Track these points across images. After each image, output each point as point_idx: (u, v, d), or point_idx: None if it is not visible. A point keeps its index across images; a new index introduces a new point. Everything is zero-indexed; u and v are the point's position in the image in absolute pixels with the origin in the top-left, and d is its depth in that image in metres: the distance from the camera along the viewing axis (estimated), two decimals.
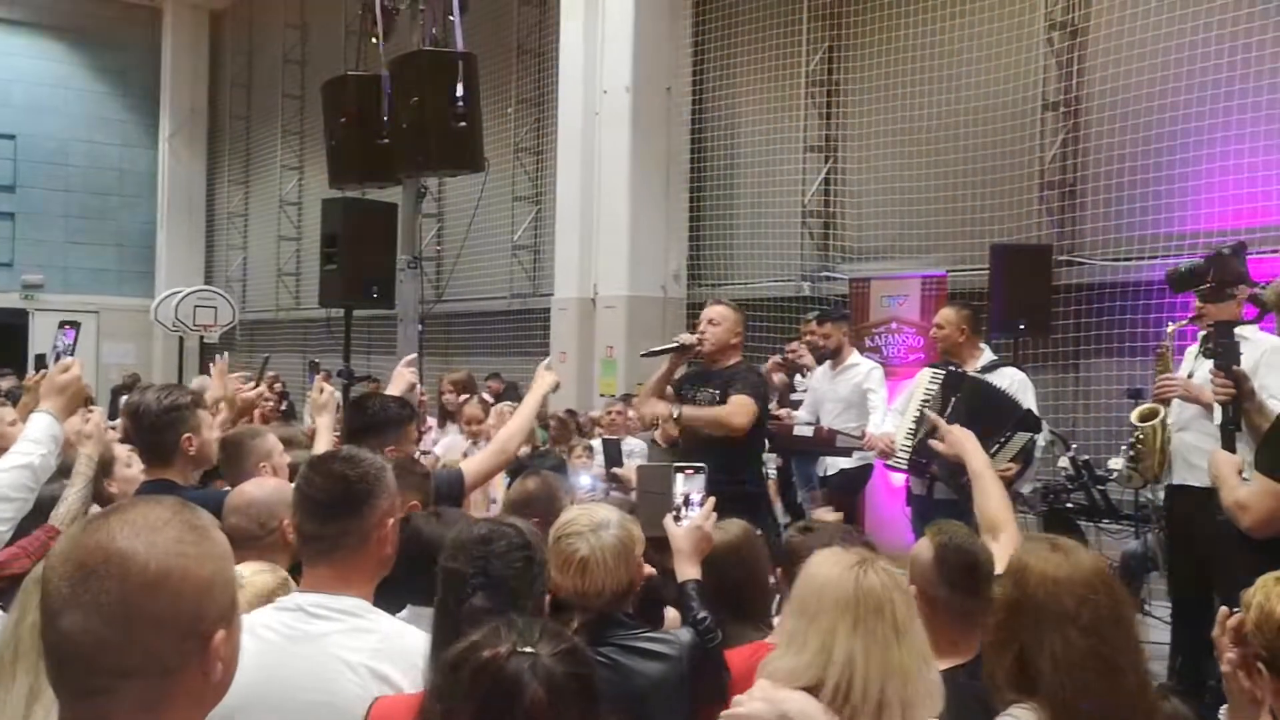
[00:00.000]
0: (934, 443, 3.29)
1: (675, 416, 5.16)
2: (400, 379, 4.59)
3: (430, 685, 1.90)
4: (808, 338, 7.83)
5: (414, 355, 5.07)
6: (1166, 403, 5.19)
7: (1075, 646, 2.04)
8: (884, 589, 2.07)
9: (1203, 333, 5.20)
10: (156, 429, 3.49)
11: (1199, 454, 5.09)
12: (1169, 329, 5.40)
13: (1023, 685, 2.09)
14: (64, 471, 3.33)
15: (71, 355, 3.43)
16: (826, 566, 2.12)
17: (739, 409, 5.08)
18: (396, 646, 2.25)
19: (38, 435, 3.08)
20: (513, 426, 4.19)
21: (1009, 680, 2.12)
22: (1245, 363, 5.09)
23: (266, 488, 3.02)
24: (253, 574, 2.62)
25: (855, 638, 2.01)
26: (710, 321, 5.33)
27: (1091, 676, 2.03)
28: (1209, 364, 5.03)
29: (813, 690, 2.00)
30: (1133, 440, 5.29)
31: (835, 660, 2.00)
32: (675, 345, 5.47)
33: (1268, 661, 2.01)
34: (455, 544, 2.15)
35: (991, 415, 5.36)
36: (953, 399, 5.45)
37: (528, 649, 1.55)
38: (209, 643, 1.27)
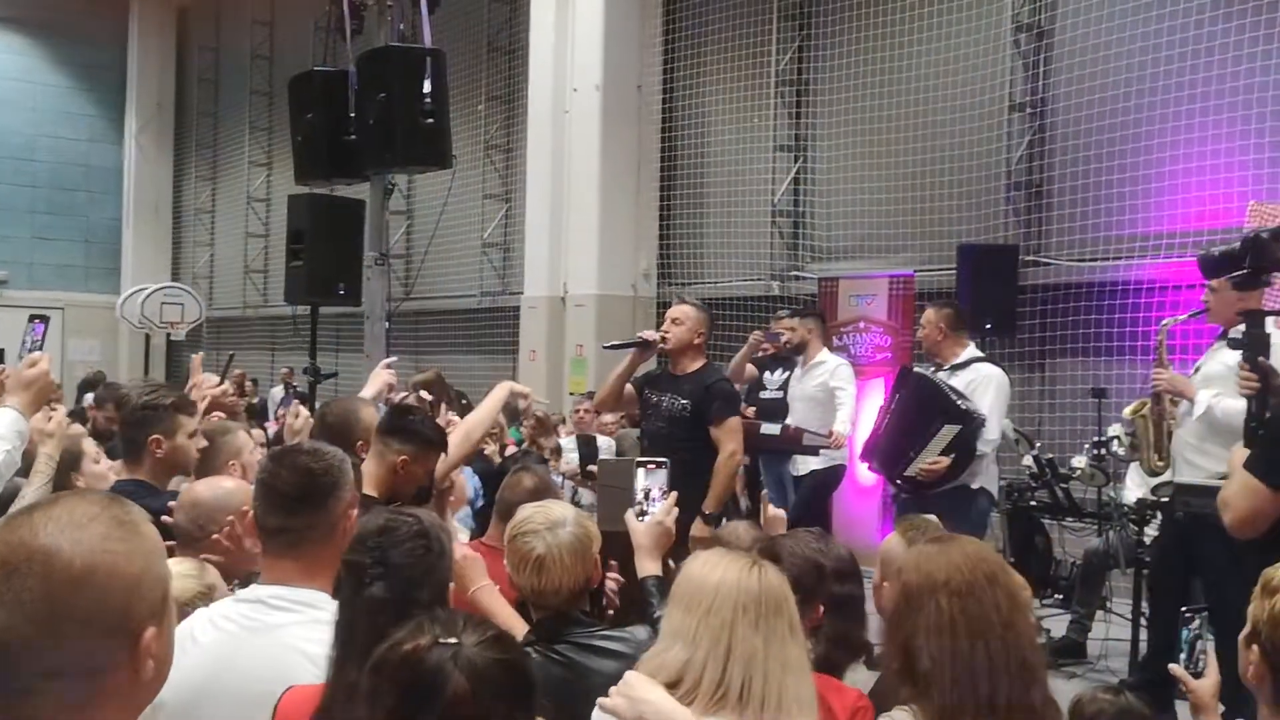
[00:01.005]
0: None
1: (709, 514, 5.08)
2: (377, 379, 4.56)
3: (336, 685, 1.89)
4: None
5: (395, 359, 5.05)
6: (1158, 397, 5.22)
7: (944, 610, 2.04)
8: (782, 587, 2.09)
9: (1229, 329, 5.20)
10: (128, 425, 3.46)
11: (1189, 449, 5.09)
12: (1164, 324, 5.42)
13: (909, 679, 2.07)
14: (29, 471, 3.28)
15: (40, 350, 3.37)
16: (721, 566, 2.13)
17: (731, 440, 5.13)
18: None
19: (2, 431, 3.03)
20: (476, 417, 4.18)
21: (900, 676, 2.11)
22: (1233, 360, 5.06)
23: (218, 490, 2.95)
24: (177, 575, 2.59)
25: (757, 635, 2.03)
26: (674, 320, 5.32)
27: (962, 636, 2.02)
28: (1222, 357, 5.06)
29: (694, 688, 2.01)
30: (1129, 430, 5.34)
31: (737, 658, 2.02)
32: (638, 340, 5.47)
33: (1268, 655, 2.01)
34: (359, 535, 2.14)
35: (923, 411, 5.44)
36: (896, 396, 5.55)
37: (450, 640, 1.53)
38: (139, 640, 1.23)
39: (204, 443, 3.54)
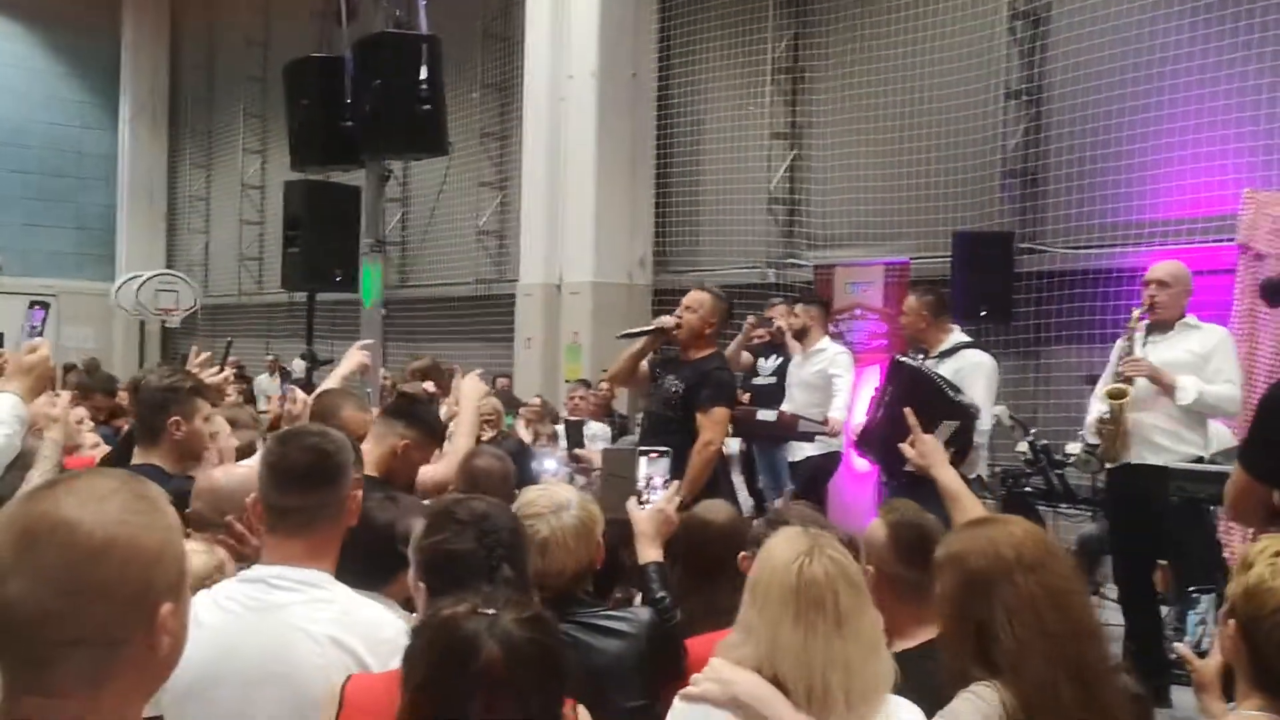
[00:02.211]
0: (904, 448, 3.30)
1: (681, 499, 5.04)
2: (351, 359, 4.55)
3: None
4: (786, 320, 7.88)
5: (371, 340, 5.04)
6: (1131, 382, 5.28)
7: (1022, 587, 2.06)
8: (827, 579, 2.08)
9: (1146, 321, 5.36)
10: (147, 407, 3.48)
11: (1160, 433, 5.23)
12: (1135, 313, 5.48)
13: (986, 660, 2.08)
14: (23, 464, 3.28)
15: (41, 335, 3.38)
16: (776, 554, 2.14)
17: (710, 430, 5.07)
18: (359, 618, 2.29)
19: (2, 416, 3.04)
20: (463, 433, 4.15)
21: (974, 660, 2.11)
22: (1196, 347, 5.25)
23: (234, 476, 2.98)
24: (189, 551, 2.61)
25: (797, 631, 2.04)
26: (687, 307, 5.31)
27: (1045, 609, 2.05)
28: (1184, 343, 5.21)
29: (774, 682, 2.04)
30: (1105, 417, 5.33)
31: (781, 651, 2.04)
32: (653, 329, 5.46)
33: (1244, 628, 2.03)
34: (453, 524, 2.17)
35: (919, 405, 5.44)
36: (889, 388, 5.55)
37: (489, 610, 1.55)
38: (156, 614, 1.25)
39: (215, 428, 3.55)
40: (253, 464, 3.39)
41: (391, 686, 1.99)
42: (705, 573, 3.00)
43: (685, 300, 5.38)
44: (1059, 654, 2.02)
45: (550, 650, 1.57)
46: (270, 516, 2.40)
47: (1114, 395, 5.32)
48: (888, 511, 2.90)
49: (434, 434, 3.71)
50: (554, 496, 2.63)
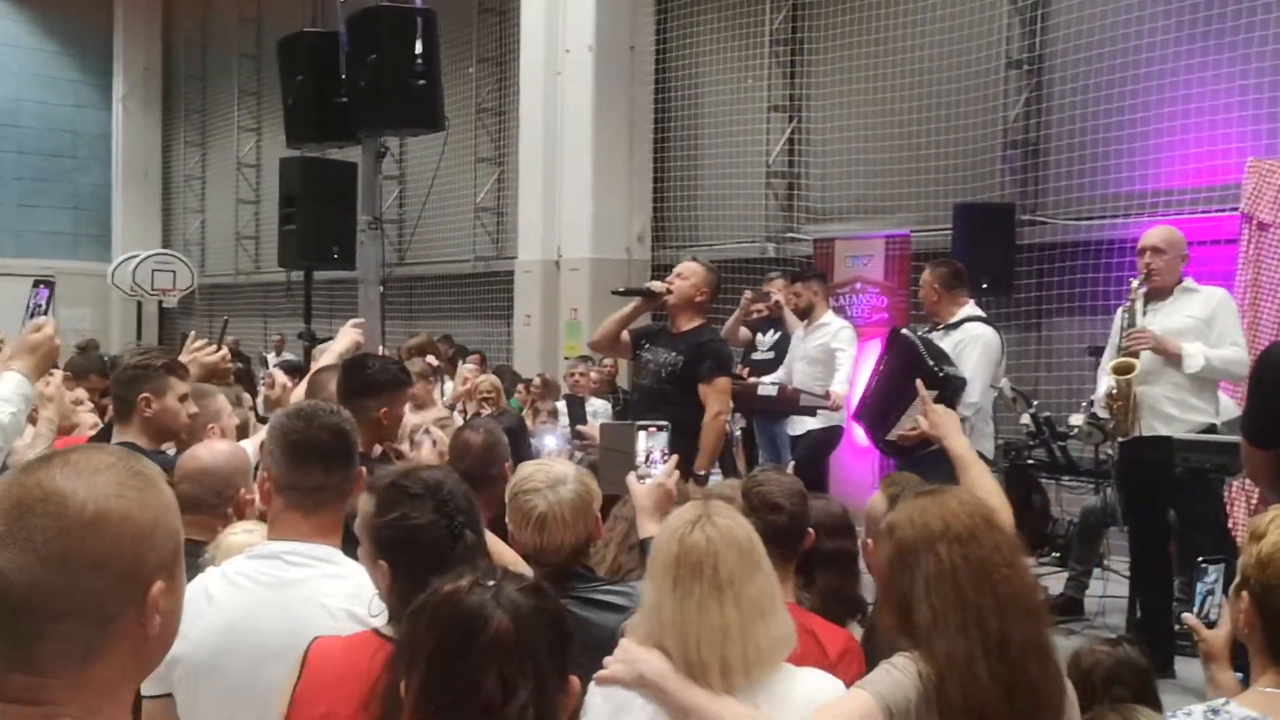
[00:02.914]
0: (919, 418, 3.27)
1: (700, 474, 5.02)
2: (345, 337, 4.53)
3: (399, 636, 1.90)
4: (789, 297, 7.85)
5: (363, 320, 5.01)
6: (1136, 355, 5.24)
7: (944, 559, 2.01)
8: (707, 545, 2.06)
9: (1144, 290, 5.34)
10: (120, 384, 3.49)
11: (1169, 403, 5.20)
12: (1133, 284, 5.44)
13: (906, 633, 2.05)
14: None
15: (45, 315, 3.37)
16: (668, 526, 2.14)
17: (717, 401, 5.09)
18: (373, 592, 2.25)
19: (7, 394, 3.01)
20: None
21: (898, 631, 2.08)
22: (1198, 311, 5.23)
23: (220, 454, 2.95)
24: (242, 530, 2.62)
25: (674, 599, 2.04)
26: (680, 275, 5.32)
27: (966, 582, 2.00)
28: (1184, 308, 5.21)
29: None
30: (1113, 392, 5.29)
31: (663, 622, 2.04)
32: (645, 289, 5.47)
33: (1258, 599, 1.99)
34: (407, 499, 2.13)
35: (904, 375, 5.44)
36: (884, 357, 5.58)
37: (489, 582, 1.54)
38: (148, 592, 1.23)
39: (194, 408, 3.53)
40: (246, 443, 3.36)
41: (351, 650, 1.99)
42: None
43: (677, 269, 5.40)
44: (978, 627, 1.97)
45: (557, 616, 1.56)
46: (291, 494, 2.38)
47: (1120, 370, 5.28)
48: (889, 485, 2.88)
49: (399, 383, 3.71)
50: (551, 472, 2.61)
